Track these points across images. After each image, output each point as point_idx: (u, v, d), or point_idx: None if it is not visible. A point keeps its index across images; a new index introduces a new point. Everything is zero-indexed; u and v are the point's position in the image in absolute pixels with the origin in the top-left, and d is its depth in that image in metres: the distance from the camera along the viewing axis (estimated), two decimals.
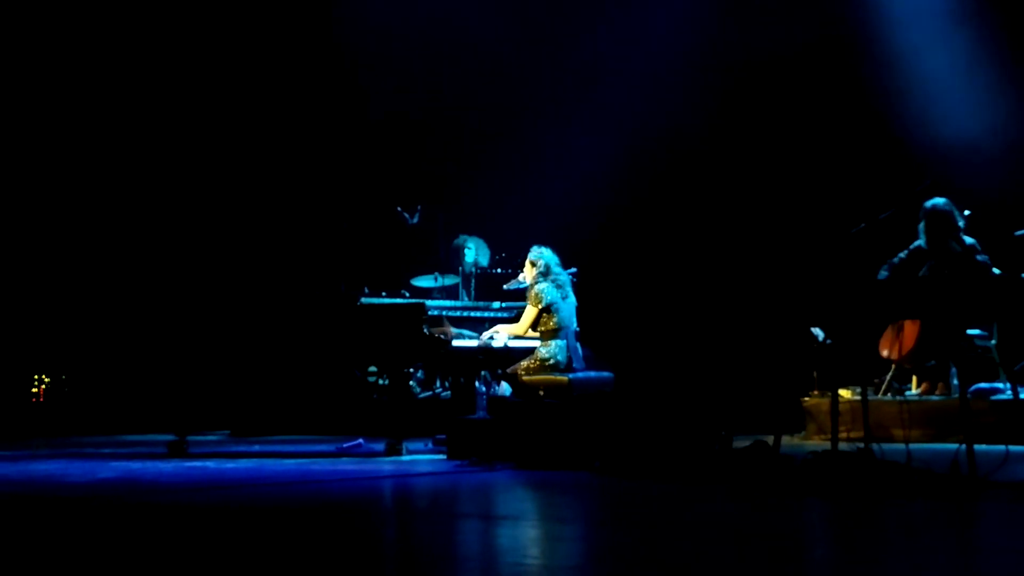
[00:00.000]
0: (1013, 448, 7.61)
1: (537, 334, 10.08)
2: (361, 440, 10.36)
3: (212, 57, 13.90)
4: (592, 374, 10.08)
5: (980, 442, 7.56)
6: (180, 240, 13.71)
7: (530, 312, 10.04)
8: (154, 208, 13.82)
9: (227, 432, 12.39)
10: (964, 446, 7.17)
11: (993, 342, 10.18)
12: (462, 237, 12.64)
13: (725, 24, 13.03)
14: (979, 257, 10.10)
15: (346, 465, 9.27)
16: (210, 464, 9.40)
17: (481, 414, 9.63)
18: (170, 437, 10.08)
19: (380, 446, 9.84)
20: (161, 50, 13.79)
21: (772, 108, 13.05)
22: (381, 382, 11.63)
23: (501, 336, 10.26)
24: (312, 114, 14.04)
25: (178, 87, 13.88)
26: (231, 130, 13.97)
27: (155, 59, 13.81)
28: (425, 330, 9.95)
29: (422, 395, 11.85)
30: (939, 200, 10.16)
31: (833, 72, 12.85)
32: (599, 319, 11.17)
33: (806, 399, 10.78)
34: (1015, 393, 8.41)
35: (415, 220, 13.07)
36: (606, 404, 9.00)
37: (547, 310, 9.96)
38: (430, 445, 10.05)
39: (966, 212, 10.22)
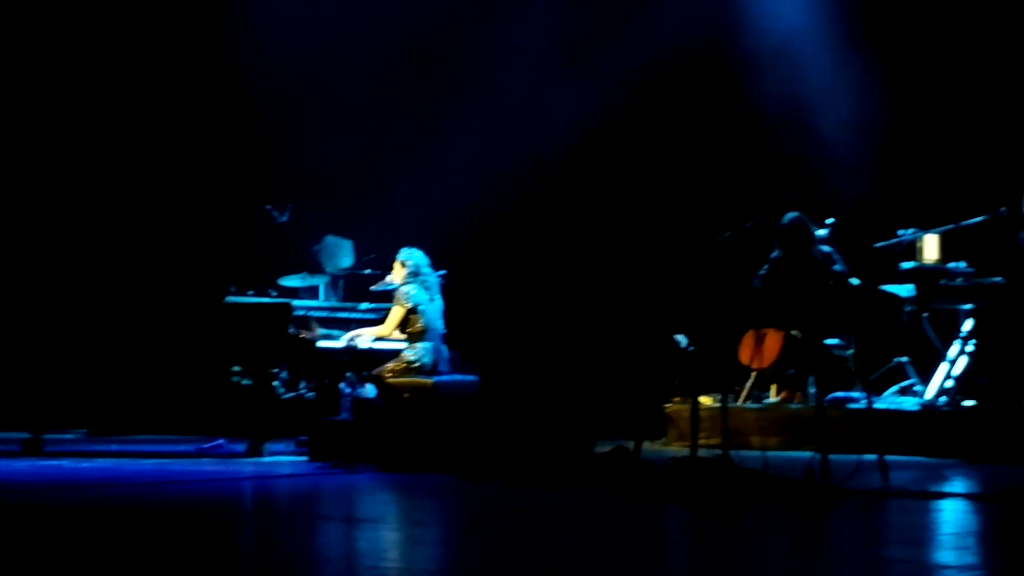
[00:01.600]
0: (866, 457, 7.77)
1: (403, 336, 10.05)
2: (222, 441, 10.25)
3: (79, 50, 13.64)
4: (457, 377, 10.08)
5: (835, 450, 7.71)
6: (40, 233, 13.42)
7: (396, 313, 10.00)
8: (12, 200, 13.50)
9: (84, 431, 12.16)
10: (819, 454, 7.31)
11: (850, 352, 10.38)
12: (330, 237, 12.56)
13: (596, 26, 13.11)
14: (836, 267, 10.31)
15: (206, 466, 9.18)
16: (66, 463, 9.24)
17: (345, 416, 9.59)
18: (24, 435, 9.86)
19: (241, 447, 9.75)
20: (28, 43, 13.50)
21: (642, 114, 13.16)
22: (244, 382, 11.49)
23: (366, 337, 10.21)
24: (182, 109, 13.84)
25: (38, 79, 13.59)
26: (98, 124, 13.72)
27: (21, 53, 13.52)
28: (291, 330, 9.88)
29: (286, 396, 11.75)
30: (792, 214, 10.32)
31: (702, 80, 13.00)
32: (466, 322, 11.18)
33: (668, 405, 10.89)
34: (870, 402, 8.61)
35: (285, 219, 12.95)
36: (470, 407, 9.02)
37: (414, 312, 9.93)
38: (293, 447, 9.98)
39: (829, 221, 10.41)
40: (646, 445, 8.85)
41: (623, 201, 13.05)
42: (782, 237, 10.28)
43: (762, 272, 10.45)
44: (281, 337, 9.76)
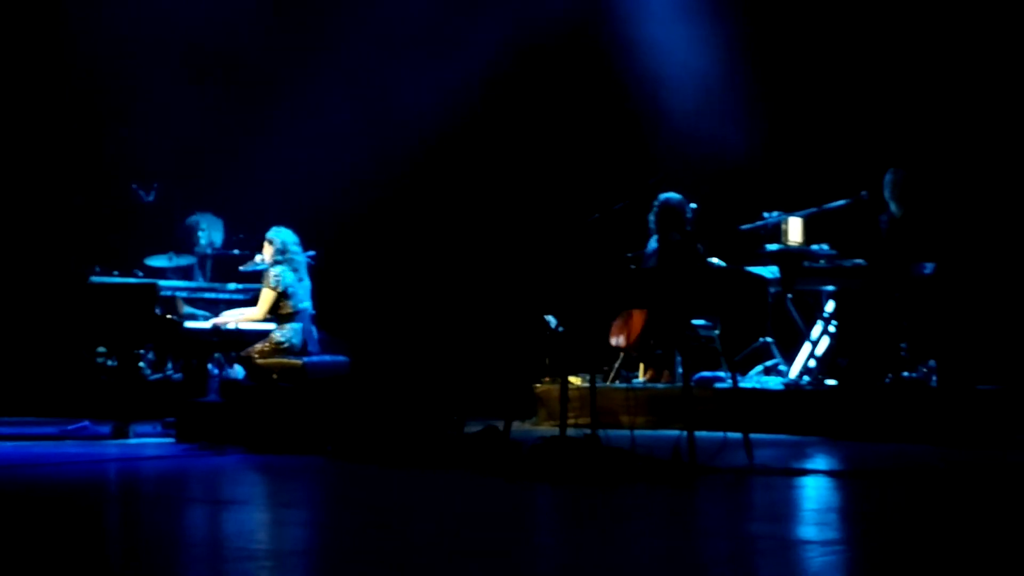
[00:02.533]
0: (731, 435, 7.90)
1: (272, 317, 9.95)
2: (87, 423, 10.09)
3: None
4: (327, 358, 10.02)
5: (701, 429, 7.85)
6: None
7: (267, 296, 9.88)
8: None
9: None
10: (685, 433, 7.41)
11: (716, 332, 10.52)
12: (196, 216, 12.40)
13: (462, 4, 13.09)
14: (697, 249, 10.39)
15: (70, 448, 9.03)
16: None
17: (213, 397, 9.51)
18: None
19: (107, 429, 9.61)
20: None
21: (513, 95, 13.20)
22: (110, 363, 11.33)
23: (233, 319, 10.10)
24: (47, 85, 13.55)
25: None
26: None
27: None
28: (157, 311, 9.75)
29: (153, 377, 11.60)
30: (671, 194, 10.42)
31: (571, 62, 13.06)
32: (337, 302, 11.13)
33: (537, 385, 10.96)
34: (735, 382, 8.72)
35: (151, 198, 12.75)
36: (340, 388, 9.00)
37: (283, 294, 9.84)
38: (159, 428, 9.86)
39: (692, 206, 10.52)
40: (516, 425, 8.91)
41: (494, 182, 13.08)
42: (659, 215, 10.34)
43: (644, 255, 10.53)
44: (147, 318, 9.64)
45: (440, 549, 5.04)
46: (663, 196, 10.36)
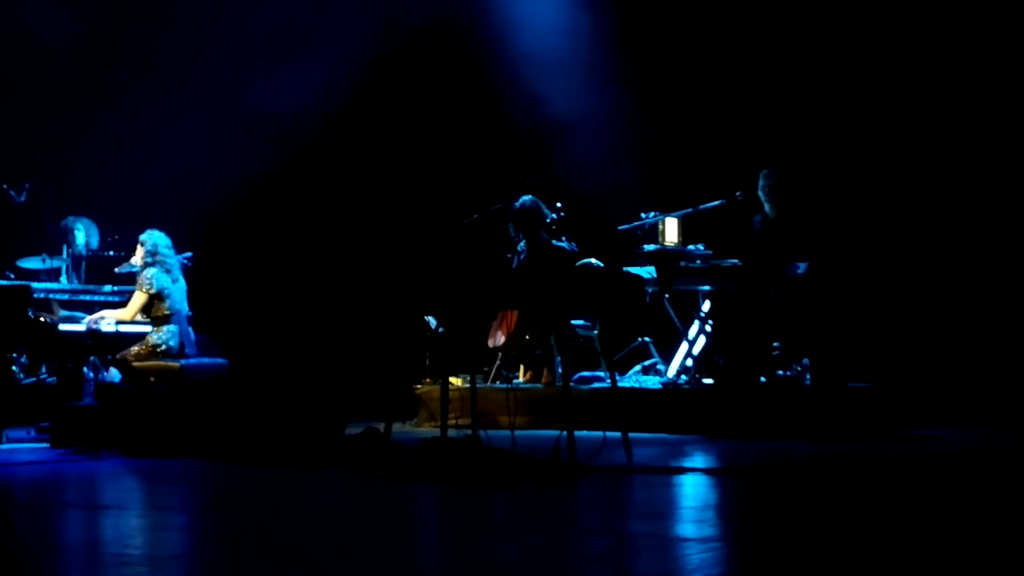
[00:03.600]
0: (610, 434, 7.98)
1: (148, 319, 9.84)
2: None
3: None
4: (205, 360, 9.93)
5: (581, 428, 7.91)
6: None
7: (138, 298, 9.77)
8: None
9: None
10: (565, 432, 7.47)
11: (595, 332, 10.59)
12: (71, 218, 12.19)
13: (343, 8, 13.07)
14: (565, 248, 10.33)
15: None
16: None
17: (88, 401, 9.37)
18: None
19: None
20: None
21: (392, 94, 13.19)
22: None
23: (109, 320, 9.97)
24: None
25: None
26: None
27: None
28: (30, 313, 9.58)
29: (26, 381, 11.39)
30: (526, 198, 10.31)
31: (452, 63, 13.09)
32: (214, 304, 11.03)
33: (418, 387, 10.96)
34: (613, 381, 8.80)
35: (22, 199, 12.51)
36: (219, 391, 8.92)
37: (159, 296, 9.73)
38: (33, 433, 9.69)
39: (558, 205, 10.48)
40: (397, 426, 8.91)
41: (373, 182, 13.06)
42: (517, 221, 10.30)
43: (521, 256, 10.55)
44: (20, 320, 9.46)
45: (321, 550, 5.02)
46: (518, 202, 10.23)
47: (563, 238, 10.31)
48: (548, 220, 10.31)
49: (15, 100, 13.15)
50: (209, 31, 13.13)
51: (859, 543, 5.08)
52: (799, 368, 10.21)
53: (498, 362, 10.79)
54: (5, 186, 12.43)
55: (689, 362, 10.63)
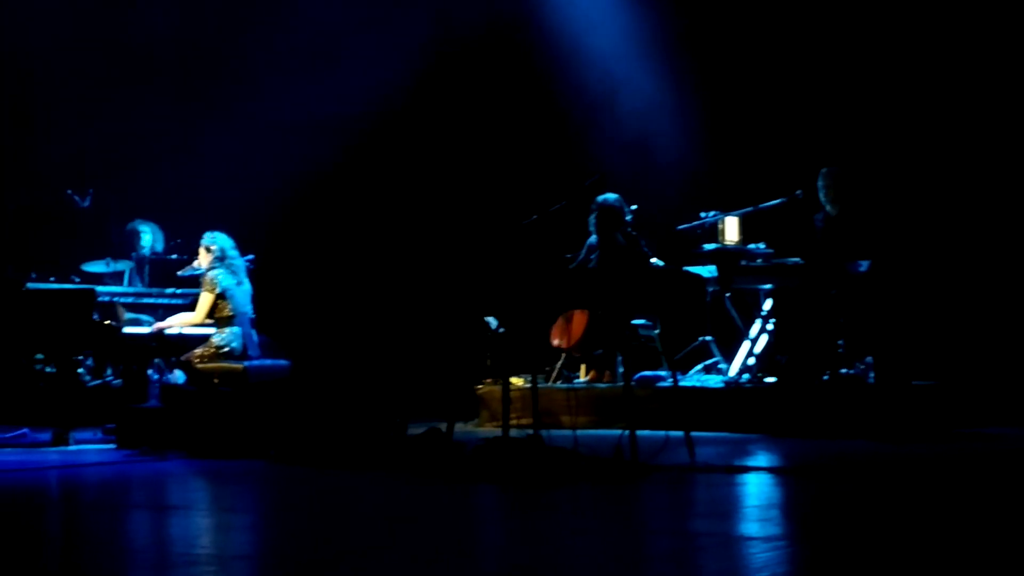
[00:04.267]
0: (672, 433, 7.96)
1: (211, 321, 9.92)
2: (26, 430, 10.01)
3: None
4: (268, 362, 10.00)
5: (643, 428, 7.89)
6: None
7: (205, 299, 9.87)
8: None
9: None
10: (627, 432, 7.45)
11: (656, 332, 10.58)
12: (136, 221, 12.32)
13: (397, 14, 13.10)
14: (643, 250, 10.48)
15: (9, 456, 8.95)
16: None
17: (153, 402, 9.46)
18: None
19: (46, 436, 9.53)
20: None
21: (452, 97, 13.20)
22: (48, 369, 11.22)
23: (175, 323, 10.06)
24: None
25: None
26: None
27: None
28: (95, 316, 9.68)
29: (92, 383, 11.51)
30: (610, 195, 10.49)
31: (510, 65, 13.09)
32: (276, 306, 11.09)
33: (479, 387, 10.98)
34: (675, 381, 8.79)
35: (87, 203, 12.66)
36: (282, 392, 8.97)
37: (222, 297, 9.82)
38: (100, 435, 9.79)
39: (633, 207, 10.59)
40: (458, 427, 8.91)
41: (434, 184, 13.08)
42: (598, 216, 10.41)
43: (577, 260, 10.57)
44: (85, 324, 9.56)
45: (383, 551, 5.04)
46: (601, 197, 10.42)
47: (642, 241, 10.38)
48: (627, 220, 10.34)
49: (80, 105, 13.29)
50: (269, 33, 13.20)
51: (923, 543, 5.04)
52: (862, 366, 10.13)
53: (560, 362, 10.80)
54: (70, 191, 12.57)
55: (751, 361, 10.57)
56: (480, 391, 10.95)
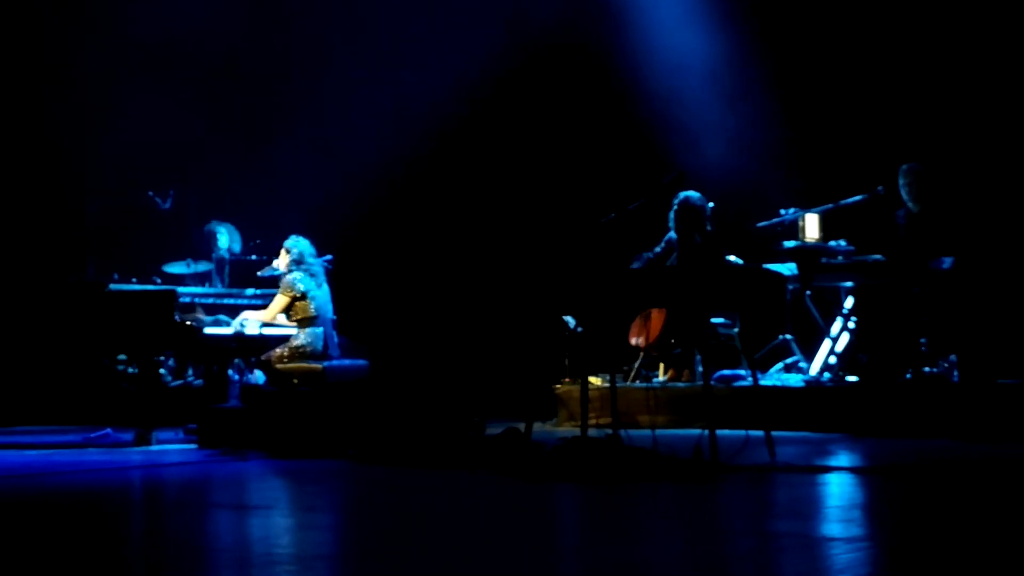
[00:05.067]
0: (752, 433, 7.89)
1: (292, 322, 9.99)
2: (109, 430, 10.12)
3: None
4: (347, 362, 10.05)
5: (722, 427, 7.83)
6: None
7: (280, 300, 9.93)
8: None
9: None
10: (707, 431, 7.40)
11: (736, 330, 10.51)
12: (214, 223, 12.44)
13: (474, 11, 13.10)
14: (720, 248, 10.41)
15: (93, 456, 9.06)
16: None
17: (234, 403, 9.53)
18: None
19: (129, 436, 9.63)
20: None
21: (528, 96, 13.20)
22: (130, 370, 11.36)
23: (254, 323, 10.13)
24: (54, 92, 13.54)
25: None
26: None
27: None
28: (176, 317, 9.77)
29: (173, 383, 11.64)
30: (690, 193, 10.42)
31: (586, 62, 13.06)
32: (354, 307, 11.14)
33: (558, 386, 10.96)
34: (755, 380, 8.72)
35: (167, 205, 12.80)
36: (361, 392, 9.00)
37: (303, 298, 9.88)
38: (181, 435, 9.88)
39: (711, 204, 10.52)
40: (537, 426, 8.90)
41: (510, 183, 13.08)
42: (678, 213, 10.36)
43: (649, 255, 10.52)
44: (166, 324, 9.65)
45: (463, 551, 5.04)
46: (683, 195, 10.36)
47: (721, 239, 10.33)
48: (706, 218, 10.31)
49: (159, 107, 13.41)
50: (348, 32, 13.25)
51: (1007, 545, 4.96)
52: (946, 365, 10.00)
53: (638, 361, 10.75)
54: (151, 193, 12.72)
55: (832, 359, 10.47)
56: (558, 391, 10.93)
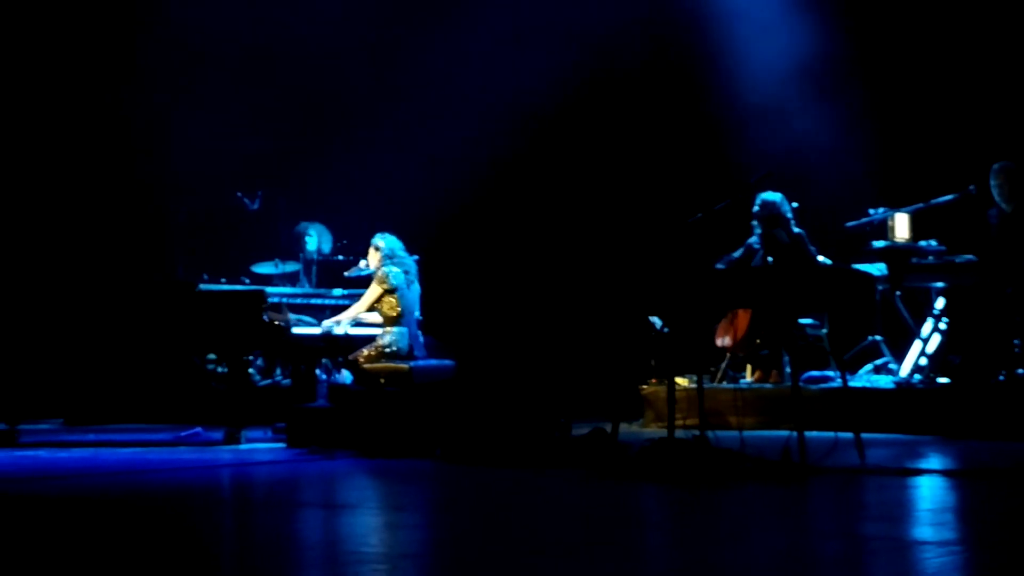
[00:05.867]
0: (842, 435, 7.82)
1: (379, 320, 10.03)
2: (199, 429, 10.24)
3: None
4: (433, 362, 10.08)
5: (811, 429, 7.76)
6: (9, 221, 13.30)
7: (373, 291, 9.93)
8: None
9: (60, 420, 12.13)
10: (795, 433, 7.34)
11: (824, 331, 10.42)
12: (303, 223, 12.53)
13: (563, 13, 13.09)
14: (808, 247, 10.34)
15: (183, 454, 9.16)
16: (42, 453, 9.21)
17: (321, 402, 9.59)
18: (0, 426, 9.81)
19: (219, 435, 9.73)
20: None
21: (613, 96, 13.17)
22: (220, 370, 11.48)
23: (342, 323, 10.20)
24: (140, 95, 13.70)
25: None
26: (67, 120, 13.56)
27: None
28: (265, 317, 9.86)
29: (262, 383, 11.74)
30: (771, 193, 10.38)
31: (672, 62, 13.01)
32: (441, 307, 11.18)
33: (644, 387, 10.92)
34: (844, 381, 8.63)
35: (256, 206, 12.92)
36: (447, 392, 9.02)
37: (392, 293, 9.90)
38: (270, 434, 9.97)
39: (794, 204, 10.43)
40: (623, 427, 8.87)
41: (597, 183, 13.06)
42: (760, 214, 10.32)
43: (733, 256, 10.48)
44: (255, 324, 9.74)
45: (552, 551, 5.04)
46: (762, 196, 10.31)
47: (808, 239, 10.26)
48: (789, 218, 10.24)
49: (249, 110, 13.54)
50: (437, 33, 13.30)
51: None
52: None
53: (725, 362, 10.69)
54: (239, 194, 12.84)
55: (923, 361, 10.33)
56: (645, 391, 10.90)
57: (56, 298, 9.86)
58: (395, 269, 9.95)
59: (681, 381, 10.34)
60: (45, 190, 13.32)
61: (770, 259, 10.24)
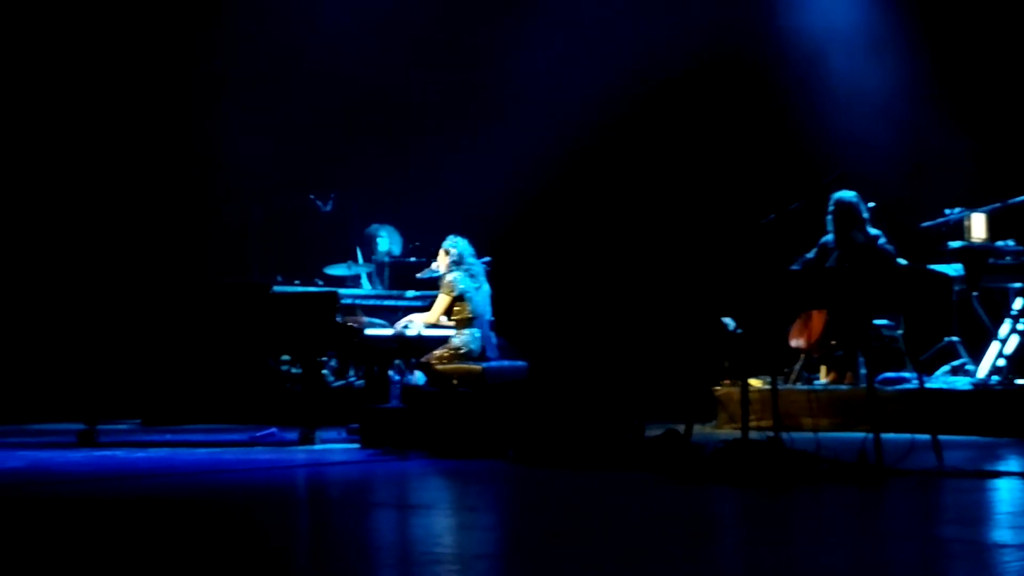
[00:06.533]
0: (919, 437, 7.74)
1: (451, 323, 10.07)
2: (274, 429, 10.30)
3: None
4: (506, 363, 10.10)
5: (887, 431, 7.69)
6: (90, 224, 13.48)
7: (442, 300, 10.03)
8: (62, 195, 13.55)
9: (138, 421, 12.27)
10: (871, 435, 7.28)
11: (899, 332, 10.33)
12: (375, 226, 12.60)
13: (636, 13, 13.07)
14: (885, 247, 10.25)
15: (259, 454, 9.23)
16: (120, 453, 9.32)
17: (395, 403, 9.62)
18: (80, 426, 9.94)
19: (293, 435, 9.78)
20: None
21: (685, 97, 13.12)
22: (294, 371, 11.57)
23: (415, 325, 10.24)
24: (220, 99, 13.84)
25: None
26: (137, 121, 13.71)
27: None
28: (338, 319, 9.92)
29: (336, 384, 11.81)
30: (846, 193, 10.30)
31: (744, 63, 12.95)
32: (513, 308, 11.18)
33: (717, 388, 10.87)
34: (921, 382, 8.55)
35: (328, 208, 13.00)
36: (520, 393, 9.02)
37: (460, 299, 9.96)
38: (344, 434, 10.02)
39: (870, 204, 10.37)
40: (696, 428, 8.85)
41: (670, 184, 13.02)
42: (835, 214, 10.26)
43: (807, 256, 10.42)
44: (329, 326, 9.80)
45: (625, 552, 5.03)
46: (836, 195, 10.25)
47: (882, 237, 10.16)
48: (864, 218, 10.16)
49: (322, 113, 13.63)
50: (507, 34, 13.31)
51: None
52: None
53: (799, 363, 10.63)
54: (312, 196, 12.93)
55: (1001, 362, 10.21)
56: (718, 393, 10.85)
57: (136, 301, 9.97)
58: (460, 274, 9.98)
59: (755, 382, 10.28)
60: (127, 196, 13.49)
61: (842, 260, 10.16)
